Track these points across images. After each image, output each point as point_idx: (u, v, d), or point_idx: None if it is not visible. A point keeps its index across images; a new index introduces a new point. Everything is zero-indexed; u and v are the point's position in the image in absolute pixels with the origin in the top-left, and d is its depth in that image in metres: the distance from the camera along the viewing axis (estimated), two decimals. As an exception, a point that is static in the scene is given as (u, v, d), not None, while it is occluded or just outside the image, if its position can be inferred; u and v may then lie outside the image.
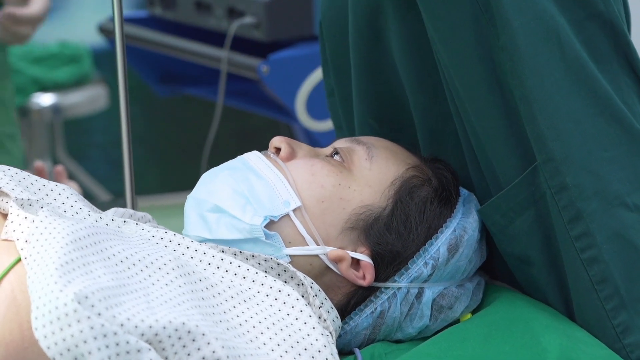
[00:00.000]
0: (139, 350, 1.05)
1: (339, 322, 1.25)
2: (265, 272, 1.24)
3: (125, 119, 1.58)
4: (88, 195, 2.90)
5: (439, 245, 1.29)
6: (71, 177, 3.47)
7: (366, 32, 1.40)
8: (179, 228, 1.33)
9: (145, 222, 1.33)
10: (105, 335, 1.04)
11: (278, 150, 1.33)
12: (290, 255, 1.27)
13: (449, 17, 1.25)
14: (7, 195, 1.25)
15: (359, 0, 1.39)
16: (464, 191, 1.36)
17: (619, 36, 1.25)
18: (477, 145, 1.31)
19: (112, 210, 1.35)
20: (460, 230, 1.30)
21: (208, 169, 1.35)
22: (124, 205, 1.73)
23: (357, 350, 1.28)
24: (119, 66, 1.59)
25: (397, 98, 1.41)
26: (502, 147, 1.28)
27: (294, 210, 1.27)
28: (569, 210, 1.23)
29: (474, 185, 1.36)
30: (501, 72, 1.25)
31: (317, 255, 1.27)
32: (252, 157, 1.32)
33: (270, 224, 1.27)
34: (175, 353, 1.09)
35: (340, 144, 1.35)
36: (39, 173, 2.00)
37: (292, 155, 1.32)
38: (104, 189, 3.56)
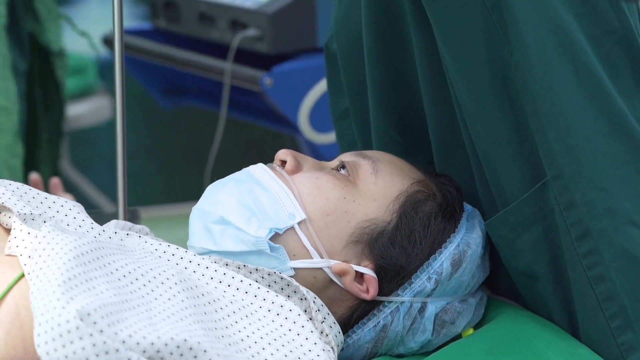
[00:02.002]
0: (140, 367, 1.05)
1: (341, 337, 1.25)
2: (269, 286, 1.24)
3: (120, 132, 1.58)
4: (92, 206, 2.90)
5: (443, 260, 1.29)
6: (76, 188, 3.47)
7: (390, 40, 1.39)
8: (182, 238, 1.33)
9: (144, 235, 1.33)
10: (107, 352, 1.04)
11: (284, 163, 1.33)
12: (294, 268, 1.27)
13: (460, 31, 1.25)
14: (9, 210, 1.25)
15: (377, 8, 1.38)
16: (467, 207, 1.36)
17: (635, 52, 1.24)
18: (485, 160, 1.31)
19: (114, 222, 1.34)
20: (464, 245, 1.30)
21: (212, 180, 1.35)
22: (126, 216, 1.73)
23: (359, 365, 1.28)
24: (117, 78, 1.58)
25: (420, 109, 1.40)
26: (511, 162, 1.28)
27: (298, 223, 1.27)
28: (577, 228, 1.23)
29: (481, 200, 1.36)
30: (513, 88, 1.25)
31: (321, 269, 1.27)
32: (258, 170, 1.33)
33: (275, 237, 1.26)
34: (178, 370, 1.09)
35: (346, 157, 1.35)
36: (35, 185, 2.00)
37: (297, 168, 1.32)
38: (109, 200, 3.56)
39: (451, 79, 1.30)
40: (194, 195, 1.35)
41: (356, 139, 1.54)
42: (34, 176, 2.10)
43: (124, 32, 2.79)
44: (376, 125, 1.46)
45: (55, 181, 2.08)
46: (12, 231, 1.21)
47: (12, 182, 1.29)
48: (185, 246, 1.29)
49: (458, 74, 1.28)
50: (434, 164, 1.41)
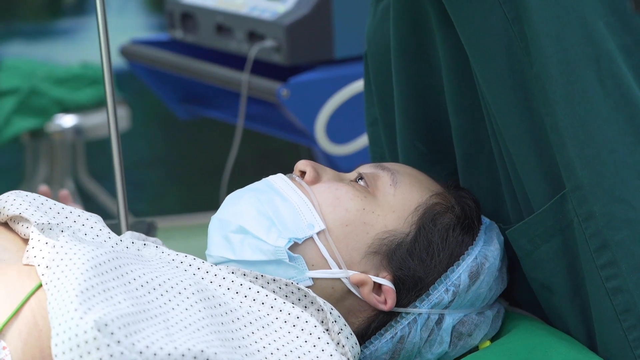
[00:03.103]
0: (158, 379, 1.05)
1: (358, 348, 1.25)
2: (286, 296, 1.24)
3: (115, 140, 1.58)
4: (109, 216, 2.91)
5: (460, 272, 1.28)
6: (93, 198, 3.48)
7: (415, 50, 1.39)
8: (198, 248, 1.33)
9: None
10: (124, 363, 1.04)
11: (303, 173, 1.33)
12: (312, 278, 1.27)
13: (482, 42, 1.25)
14: (27, 220, 1.25)
15: (404, 19, 1.39)
16: (485, 220, 1.36)
17: None
18: (512, 169, 1.31)
19: (129, 233, 1.35)
20: (481, 258, 1.30)
21: (228, 190, 1.35)
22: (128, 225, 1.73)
23: (377, 377, 1.28)
24: (108, 91, 1.59)
25: (444, 120, 1.41)
26: (532, 174, 1.27)
27: (317, 234, 1.27)
28: (596, 239, 1.23)
29: (508, 208, 1.35)
30: (533, 101, 1.24)
31: (339, 279, 1.27)
32: (277, 180, 1.33)
33: (294, 247, 1.27)
34: (195, 381, 1.08)
35: (365, 169, 1.35)
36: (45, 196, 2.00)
37: (317, 179, 1.32)
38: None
39: (479, 87, 1.30)
40: (211, 205, 1.36)
41: (384, 147, 1.54)
42: (43, 188, 2.10)
43: (142, 42, 2.81)
44: (401, 135, 1.47)
45: (64, 193, 2.08)
46: (30, 241, 1.22)
47: (28, 193, 1.30)
48: (201, 256, 1.29)
49: (483, 84, 1.28)
50: (458, 174, 1.41)
